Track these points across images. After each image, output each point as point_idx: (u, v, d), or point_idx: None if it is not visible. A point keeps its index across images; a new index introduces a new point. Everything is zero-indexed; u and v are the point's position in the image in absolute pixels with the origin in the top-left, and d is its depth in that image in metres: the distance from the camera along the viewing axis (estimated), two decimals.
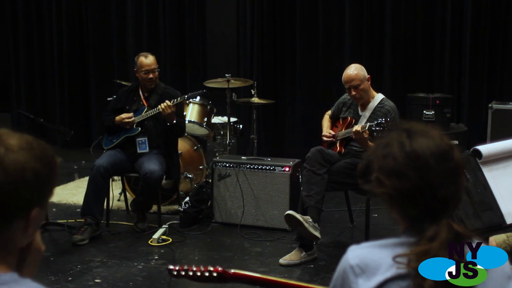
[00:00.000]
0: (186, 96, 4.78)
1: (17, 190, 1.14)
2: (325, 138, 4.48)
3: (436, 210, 1.37)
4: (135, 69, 4.83)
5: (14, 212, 1.15)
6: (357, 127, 4.04)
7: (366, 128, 4.00)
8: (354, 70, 4.26)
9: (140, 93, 4.88)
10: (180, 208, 4.90)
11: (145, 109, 4.78)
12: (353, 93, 4.25)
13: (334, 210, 5.24)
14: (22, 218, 1.17)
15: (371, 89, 4.35)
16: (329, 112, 4.67)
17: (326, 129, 4.54)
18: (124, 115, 4.76)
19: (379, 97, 4.35)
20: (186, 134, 5.36)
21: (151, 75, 4.77)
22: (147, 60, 4.77)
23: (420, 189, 1.36)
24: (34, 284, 1.18)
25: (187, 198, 4.94)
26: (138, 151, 4.72)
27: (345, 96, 4.50)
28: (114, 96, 5.39)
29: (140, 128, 4.75)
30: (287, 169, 4.77)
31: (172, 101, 4.59)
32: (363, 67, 4.30)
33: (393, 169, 1.38)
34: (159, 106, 4.58)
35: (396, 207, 1.41)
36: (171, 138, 4.88)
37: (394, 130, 1.46)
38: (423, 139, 1.39)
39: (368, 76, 4.28)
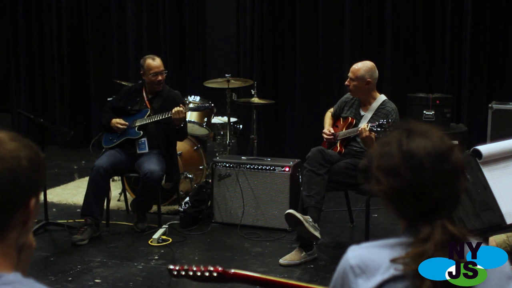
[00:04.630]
0: (209, 105, 4.85)
1: (17, 178, 1.17)
2: (325, 136, 4.48)
3: (430, 211, 1.37)
4: (142, 72, 4.80)
5: (15, 202, 1.18)
6: (363, 126, 4.05)
7: (367, 129, 4.01)
8: (360, 65, 4.30)
9: (144, 94, 4.87)
10: (180, 208, 4.90)
11: (148, 113, 4.77)
12: (346, 82, 4.35)
13: (334, 210, 5.24)
14: (22, 209, 1.19)
15: (375, 90, 4.36)
16: (331, 109, 4.68)
17: (328, 127, 4.55)
18: (119, 121, 4.75)
19: (381, 98, 4.36)
20: None
21: (159, 77, 4.75)
22: (155, 62, 4.75)
23: (414, 189, 1.36)
24: (38, 284, 1.18)
25: (187, 198, 4.94)
26: (138, 151, 4.72)
27: (348, 95, 4.51)
28: (114, 97, 5.39)
29: (142, 132, 4.74)
30: (287, 169, 4.77)
31: (183, 107, 4.57)
32: (372, 70, 4.29)
33: (390, 168, 1.39)
34: (173, 110, 4.51)
35: (392, 206, 1.42)
36: (172, 141, 4.87)
37: (397, 129, 1.46)
38: (421, 139, 1.40)
39: (369, 80, 4.27)
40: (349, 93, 4.48)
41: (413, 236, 1.37)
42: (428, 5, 6.57)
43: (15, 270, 1.19)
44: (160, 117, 4.65)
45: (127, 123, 4.76)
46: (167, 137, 4.80)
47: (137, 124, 4.75)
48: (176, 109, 4.53)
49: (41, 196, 4.75)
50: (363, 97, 4.37)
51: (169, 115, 4.56)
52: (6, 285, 1.14)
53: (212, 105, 5.29)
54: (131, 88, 5.00)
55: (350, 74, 4.31)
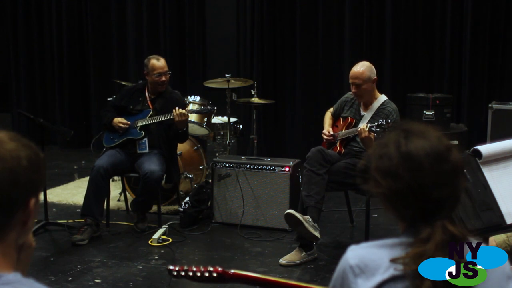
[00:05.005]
0: (212, 108, 4.85)
1: (17, 178, 1.17)
2: (324, 137, 4.48)
3: (430, 212, 1.37)
4: (145, 72, 4.78)
5: (15, 202, 1.18)
6: (363, 125, 4.05)
7: (367, 129, 4.01)
8: (361, 67, 4.25)
9: (146, 94, 4.86)
10: (180, 208, 4.90)
11: (150, 113, 4.76)
12: (354, 90, 4.27)
13: (334, 210, 5.24)
14: (22, 209, 1.19)
15: (376, 90, 4.35)
16: (331, 109, 4.67)
17: (327, 127, 4.54)
18: (121, 120, 4.74)
19: (382, 98, 4.35)
20: None
21: (163, 78, 4.74)
22: (159, 62, 4.74)
23: (413, 190, 1.36)
24: (38, 284, 1.18)
25: (187, 198, 4.94)
26: (138, 151, 4.72)
27: (348, 94, 4.50)
28: (114, 97, 5.39)
29: (143, 133, 4.73)
30: (287, 169, 4.76)
31: (186, 110, 4.57)
32: (372, 68, 4.27)
33: (388, 170, 1.38)
34: (176, 112, 4.50)
35: (391, 207, 1.42)
36: (172, 142, 4.87)
37: (393, 130, 1.46)
38: (419, 140, 1.39)
39: (375, 78, 4.27)
40: (349, 92, 4.47)
41: (413, 237, 1.37)
42: (428, 5, 6.57)
43: (15, 270, 1.19)
44: (163, 118, 4.64)
45: (129, 122, 4.76)
46: (168, 137, 4.79)
47: (139, 124, 4.74)
48: (179, 111, 4.52)
49: (41, 196, 4.75)
50: (368, 98, 4.34)
51: (172, 117, 4.56)
52: (6, 285, 1.14)
53: (215, 108, 5.27)
54: (133, 88, 4.99)
55: (355, 81, 4.22)
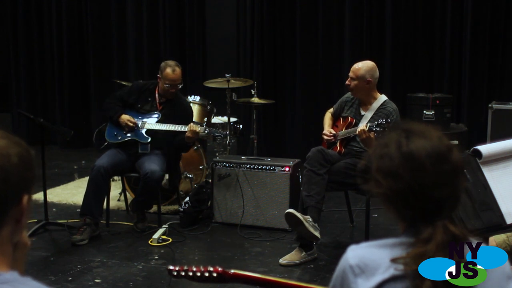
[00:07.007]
0: (218, 134, 4.91)
1: (7, 176, 1.16)
2: (325, 137, 4.48)
3: (431, 212, 1.37)
4: (158, 75, 4.76)
5: (8, 199, 1.17)
6: (362, 126, 4.06)
7: (367, 129, 4.01)
8: (360, 65, 4.30)
9: (156, 96, 4.84)
10: (180, 208, 4.90)
11: (158, 118, 4.74)
12: (347, 82, 4.34)
13: (334, 210, 5.24)
14: (15, 207, 1.19)
15: (375, 90, 4.36)
16: (331, 109, 4.67)
17: (328, 128, 4.54)
18: (129, 118, 4.72)
19: (382, 98, 4.35)
20: None
21: (173, 90, 4.74)
22: (173, 74, 4.68)
23: (414, 190, 1.36)
24: (35, 283, 1.18)
25: (187, 198, 4.94)
26: (139, 151, 4.72)
27: (348, 94, 4.51)
28: (123, 89, 5.36)
29: (150, 138, 4.71)
30: (287, 169, 4.76)
31: (199, 128, 4.57)
32: (372, 70, 4.29)
33: (389, 170, 1.38)
34: (190, 128, 4.52)
35: (392, 207, 1.42)
36: (177, 150, 4.87)
37: (394, 130, 1.46)
38: (420, 140, 1.39)
39: (369, 79, 4.27)
40: (349, 92, 4.48)
41: (414, 237, 1.37)
42: (428, 5, 6.57)
43: (12, 269, 1.19)
44: (173, 129, 4.64)
45: (137, 122, 4.74)
46: (172, 142, 4.76)
47: (146, 127, 4.72)
48: (193, 127, 4.54)
49: (39, 195, 4.73)
50: (363, 96, 4.36)
51: (183, 129, 4.57)
52: (4, 284, 1.13)
53: (226, 133, 5.20)
54: (144, 86, 4.92)
55: (350, 74, 4.30)
